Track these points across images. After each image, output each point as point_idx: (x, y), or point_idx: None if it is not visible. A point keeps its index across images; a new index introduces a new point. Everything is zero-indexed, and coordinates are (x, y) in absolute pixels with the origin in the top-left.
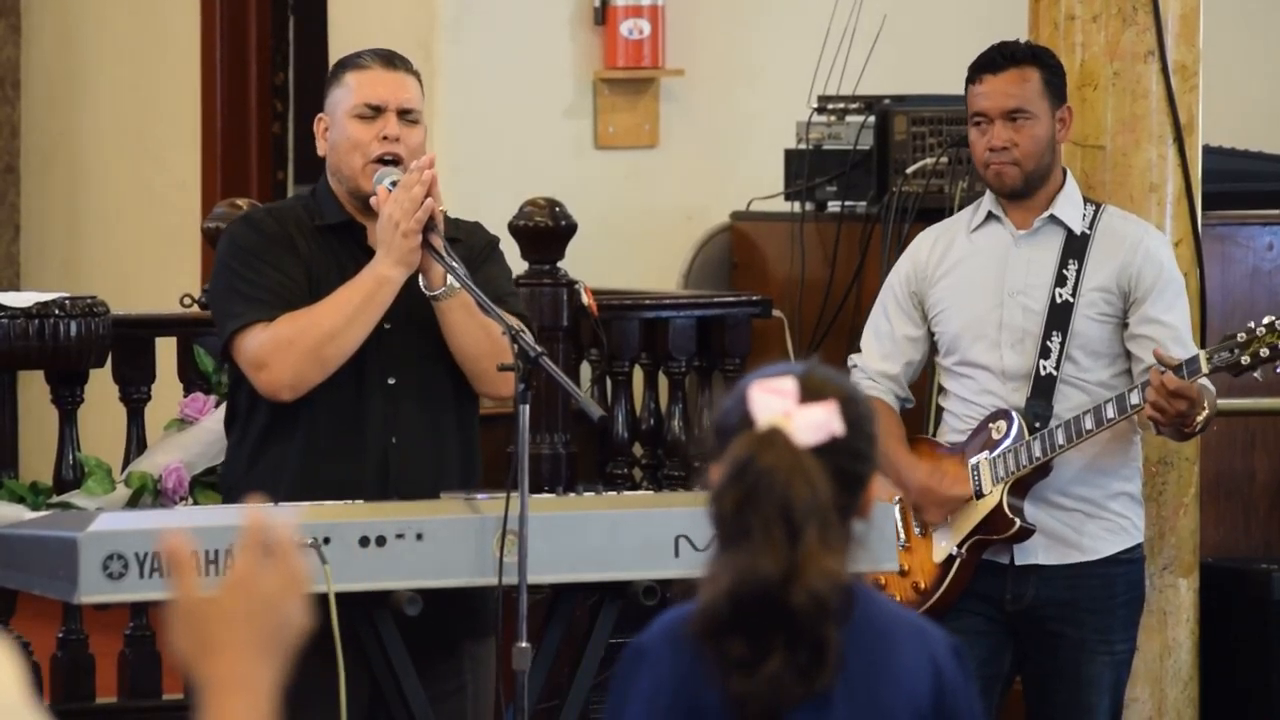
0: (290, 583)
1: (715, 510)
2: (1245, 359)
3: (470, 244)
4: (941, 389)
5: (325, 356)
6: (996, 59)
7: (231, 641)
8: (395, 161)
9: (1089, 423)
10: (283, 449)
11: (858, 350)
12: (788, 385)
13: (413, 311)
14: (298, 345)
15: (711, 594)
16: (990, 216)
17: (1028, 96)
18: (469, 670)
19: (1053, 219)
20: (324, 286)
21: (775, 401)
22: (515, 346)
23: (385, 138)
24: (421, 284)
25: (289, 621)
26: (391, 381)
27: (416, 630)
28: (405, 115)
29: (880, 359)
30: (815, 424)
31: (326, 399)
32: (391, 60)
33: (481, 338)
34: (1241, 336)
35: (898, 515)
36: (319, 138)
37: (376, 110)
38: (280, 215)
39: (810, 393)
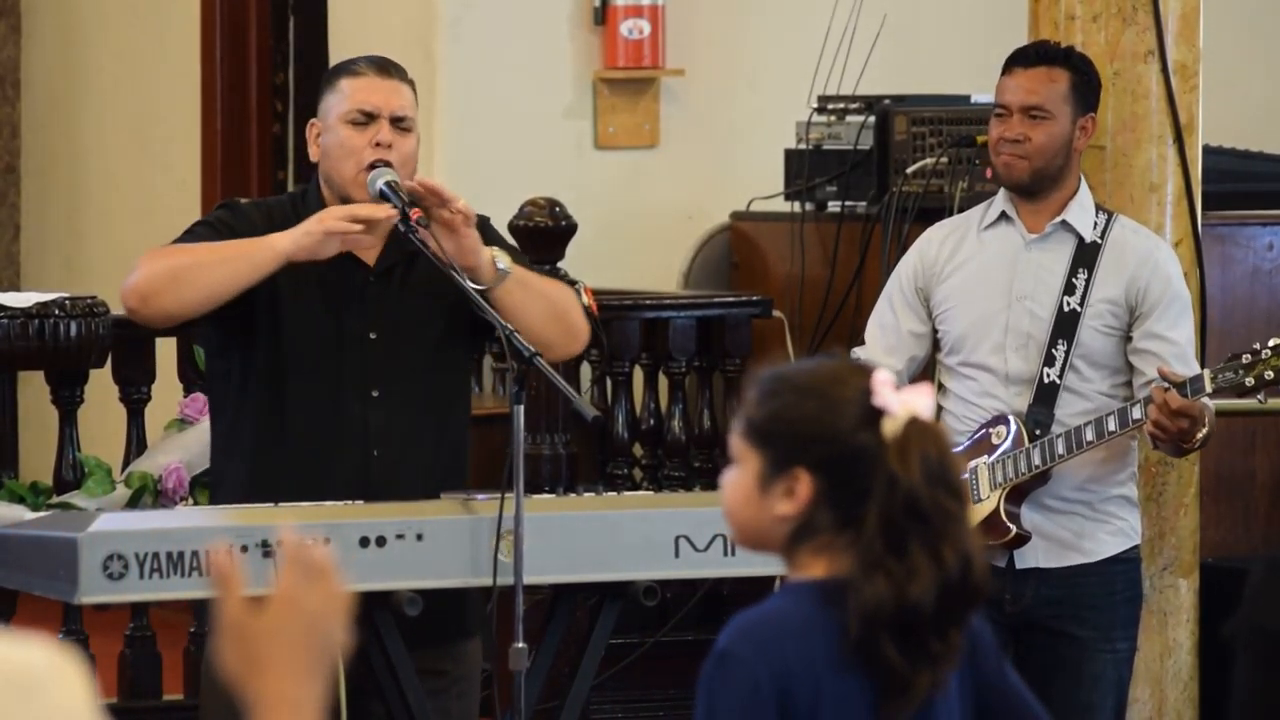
0: (333, 603)
1: (907, 511)
2: (1250, 380)
3: None
4: (941, 388)
5: (179, 279)
6: (1030, 54)
7: (280, 660)
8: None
9: (1090, 434)
10: (264, 459)
11: (860, 346)
12: (889, 375)
13: (398, 323)
14: (166, 259)
15: (899, 595)
16: (1003, 216)
17: (1050, 96)
18: (453, 668)
19: (1064, 224)
20: (306, 288)
21: (893, 393)
22: (509, 347)
23: (378, 144)
24: (473, 285)
25: (332, 641)
26: (375, 394)
27: (420, 632)
28: (398, 123)
29: (884, 353)
30: (929, 407)
31: (308, 410)
32: (386, 68)
33: (546, 305)
34: (1247, 358)
35: None
36: (311, 143)
37: (370, 116)
38: (267, 210)
39: (895, 380)
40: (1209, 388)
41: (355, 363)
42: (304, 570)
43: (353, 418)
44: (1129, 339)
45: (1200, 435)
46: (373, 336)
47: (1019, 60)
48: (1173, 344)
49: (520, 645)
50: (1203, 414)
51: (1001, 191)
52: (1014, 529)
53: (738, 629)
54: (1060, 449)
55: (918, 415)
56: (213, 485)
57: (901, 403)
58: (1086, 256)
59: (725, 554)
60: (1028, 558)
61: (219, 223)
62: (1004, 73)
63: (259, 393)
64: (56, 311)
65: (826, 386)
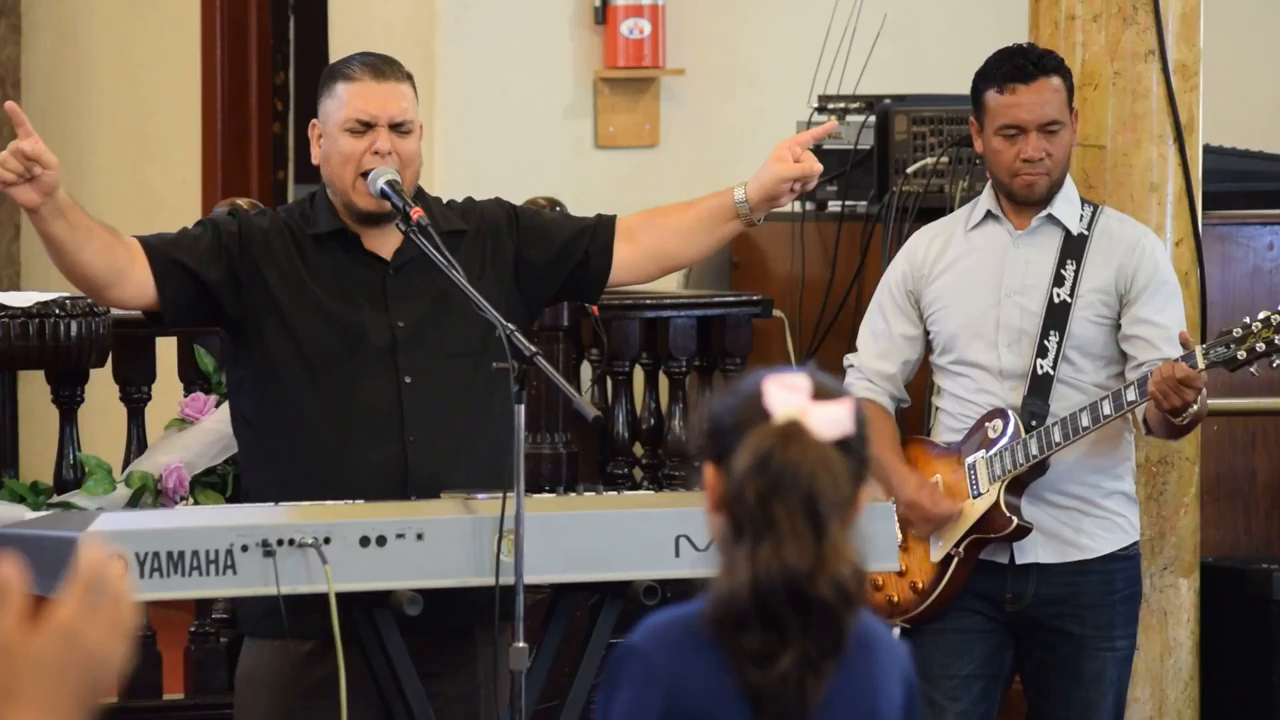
0: (115, 636)
1: (735, 502)
2: (1241, 354)
3: (483, 228)
4: (936, 388)
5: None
6: (1027, 68)
7: (37, 695)
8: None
9: (1085, 420)
10: (293, 449)
11: (853, 353)
12: (802, 382)
13: (425, 312)
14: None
15: (729, 587)
16: (988, 215)
17: (1060, 107)
18: (483, 671)
19: (1050, 218)
20: (318, 291)
21: (792, 397)
22: (509, 346)
23: (377, 152)
24: (753, 219)
25: (105, 674)
26: (408, 380)
27: (428, 631)
28: (397, 128)
29: (877, 358)
30: (833, 420)
31: (336, 404)
32: (382, 71)
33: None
34: (1237, 331)
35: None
36: (314, 143)
37: (368, 125)
38: (273, 223)
39: (823, 391)
40: (1201, 364)
41: (385, 352)
42: (94, 595)
43: (386, 406)
44: (1119, 327)
45: (1193, 411)
46: (400, 325)
47: (1018, 77)
48: (1160, 327)
49: (520, 645)
50: (1202, 388)
51: (986, 190)
52: (1015, 520)
53: (649, 627)
54: (1057, 436)
55: (797, 422)
56: (244, 496)
57: (789, 407)
58: (1074, 248)
59: None
60: (1027, 552)
61: (207, 220)
62: (998, 90)
63: (280, 394)
64: (56, 311)
65: (738, 388)
